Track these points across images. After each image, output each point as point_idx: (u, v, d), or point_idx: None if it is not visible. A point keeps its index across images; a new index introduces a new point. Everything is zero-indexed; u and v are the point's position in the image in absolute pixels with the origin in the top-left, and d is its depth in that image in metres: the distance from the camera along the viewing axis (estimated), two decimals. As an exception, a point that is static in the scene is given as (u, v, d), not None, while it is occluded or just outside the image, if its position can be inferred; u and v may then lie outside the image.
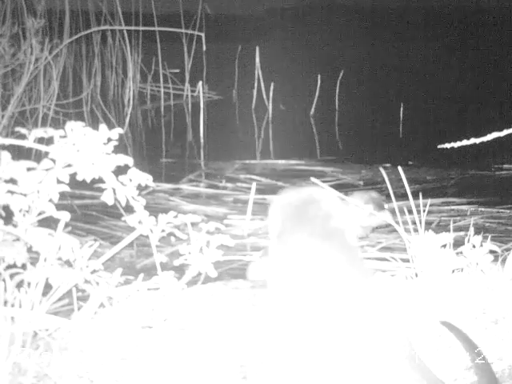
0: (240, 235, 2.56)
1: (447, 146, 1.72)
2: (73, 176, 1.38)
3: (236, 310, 1.59)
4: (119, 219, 2.45)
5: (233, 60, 6.56)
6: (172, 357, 1.36)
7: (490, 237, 1.71)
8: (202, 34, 5.54)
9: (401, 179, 1.83)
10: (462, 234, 2.20)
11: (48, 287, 1.44)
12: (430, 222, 2.62)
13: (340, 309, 1.42)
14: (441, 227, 2.57)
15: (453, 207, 2.91)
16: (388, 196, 1.86)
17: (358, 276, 1.46)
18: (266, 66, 5.98)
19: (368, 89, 7.52)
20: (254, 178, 3.41)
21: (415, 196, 1.80)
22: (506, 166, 3.70)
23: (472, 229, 1.70)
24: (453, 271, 1.67)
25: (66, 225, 1.45)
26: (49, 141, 1.38)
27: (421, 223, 1.72)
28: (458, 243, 1.69)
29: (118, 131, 1.40)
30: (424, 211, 1.74)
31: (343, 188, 3.15)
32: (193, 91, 6.28)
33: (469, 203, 2.96)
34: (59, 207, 1.41)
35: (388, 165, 3.60)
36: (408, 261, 1.75)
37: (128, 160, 1.41)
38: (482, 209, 2.87)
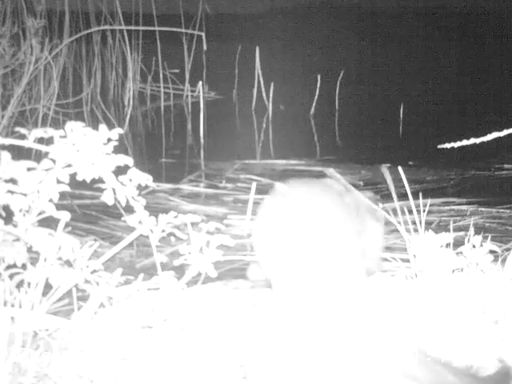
0: (240, 235, 2.56)
1: (447, 145, 1.72)
2: (73, 176, 1.38)
3: (236, 310, 1.59)
4: (119, 219, 2.45)
5: (233, 60, 6.55)
6: (172, 357, 1.36)
7: (489, 237, 1.71)
8: (202, 34, 5.53)
9: (401, 179, 1.83)
10: (461, 233, 2.20)
11: (48, 287, 1.44)
12: (430, 222, 2.62)
13: (340, 308, 1.41)
14: (441, 227, 2.56)
15: (453, 207, 2.91)
16: (389, 196, 1.86)
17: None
18: (266, 66, 5.98)
19: (368, 89, 7.52)
20: (254, 178, 3.41)
21: (415, 196, 1.80)
22: (506, 166, 3.70)
23: (472, 229, 1.70)
24: (453, 271, 1.67)
25: (66, 225, 1.45)
26: (49, 141, 1.38)
27: (421, 223, 1.72)
28: (458, 243, 1.69)
29: (117, 131, 1.40)
30: (424, 211, 1.74)
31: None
32: (193, 91, 6.27)
33: (469, 203, 2.96)
34: (59, 207, 1.41)
35: (388, 165, 3.60)
36: (408, 261, 1.75)
37: (128, 160, 1.41)
38: (482, 209, 2.87)
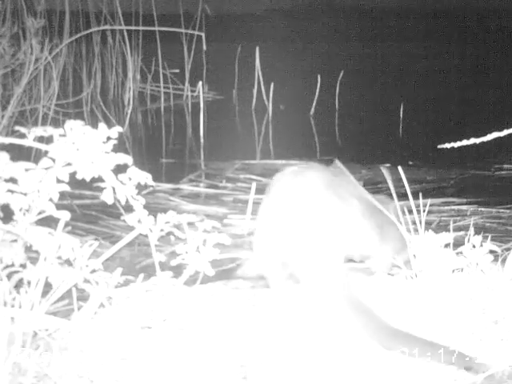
0: (240, 235, 2.56)
1: (447, 145, 1.72)
2: (72, 175, 1.38)
3: (236, 310, 1.59)
4: (119, 219, 2.45)
5: (233, 60, 6.55)
6: (172, 357, 1.36)
7: (490, 237, 1.70)
8: (202, 34, 5.53)
9: (401, 179, 1.83)
10: (461, 233, 2.20)
11: (48, 287, 1.44)
12: (430, 222, 2.62)
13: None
14: (441, 227, 2.56)
15: (453, 207, 2.90)
16: (389, 196, 1.86)
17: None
18: (266, 66, 5.98)
19: (368, 89, 7.51)
20: (254, 178, 3.41)
21: (415, 196, 1.80)
22: (505, 166, 3.70)
23: (472, 229, 1.70)
24: (453, 271, 1.67)
25: (66, 224, 1.45)
26: (48, 140, 1.38)
27: (421, 223, 1.72)
28: (458, 243, 1.69)
29: (117, 130, 1.40)
30: (424, 211, 1.73)
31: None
32: (193, 91, 6.27)
33: (469, 203, 2.96)
34: (59, 207, 1.41)
35: (388, 165, 3.60)
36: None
37: (127, 159, 1.41)
38: (482, 209, 2.87)
